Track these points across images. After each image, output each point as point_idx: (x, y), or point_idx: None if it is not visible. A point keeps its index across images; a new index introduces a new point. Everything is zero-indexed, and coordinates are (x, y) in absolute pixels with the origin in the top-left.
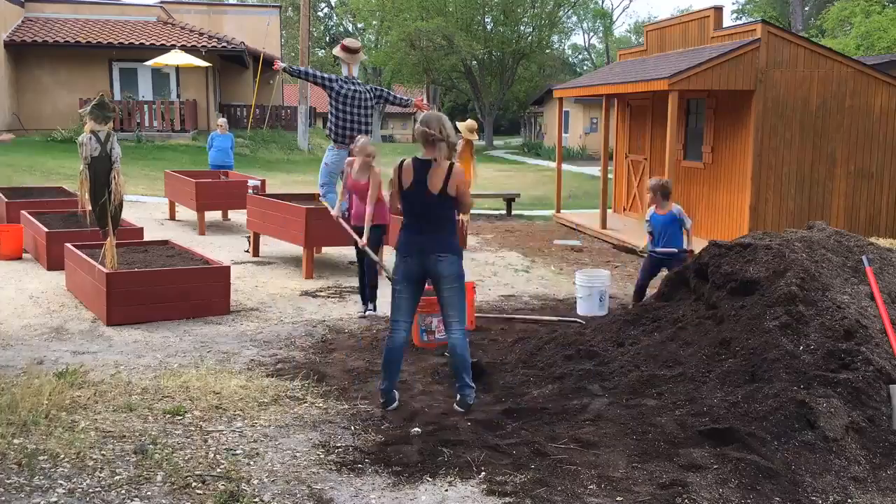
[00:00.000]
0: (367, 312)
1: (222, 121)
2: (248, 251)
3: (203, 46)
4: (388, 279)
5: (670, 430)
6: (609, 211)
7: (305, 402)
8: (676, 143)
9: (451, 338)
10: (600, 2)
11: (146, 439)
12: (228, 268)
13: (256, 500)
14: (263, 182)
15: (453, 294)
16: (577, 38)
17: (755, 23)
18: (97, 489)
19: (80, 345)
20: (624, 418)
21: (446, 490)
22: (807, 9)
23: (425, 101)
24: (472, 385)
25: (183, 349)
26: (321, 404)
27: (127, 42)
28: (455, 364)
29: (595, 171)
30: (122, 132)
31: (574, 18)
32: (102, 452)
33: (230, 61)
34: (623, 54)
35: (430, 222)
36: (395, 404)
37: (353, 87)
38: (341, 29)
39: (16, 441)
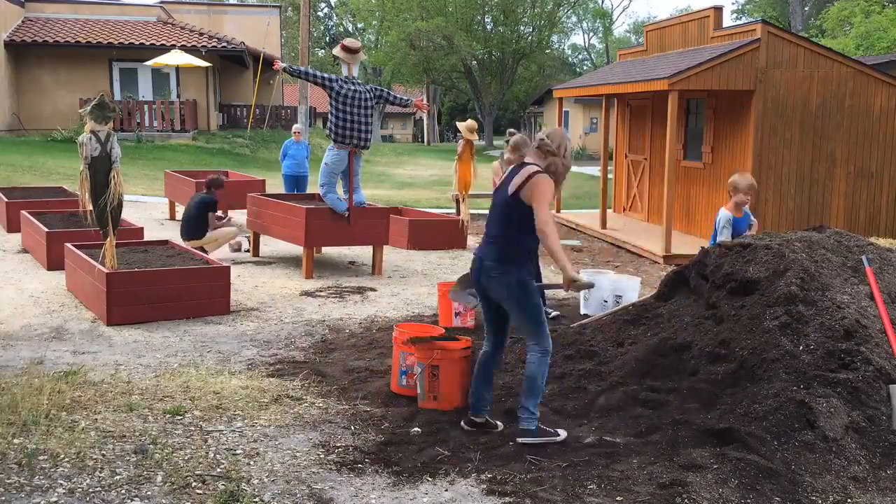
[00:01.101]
0: None
1: (298, 127)
2: (248, 251)
3: (203, 46)
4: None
5: (670, 430)
6: (609, 211)
7: (305, 402)
8: (676, 143)
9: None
10: (600, 2)
11: (146, 439)
12: (228, 268)
13: (256, 500)
14: (263, 182)
15: (518, 317)
16: (577, 38)
17: (755, 23)
18: (97, 489)
19: (80, 345)
20: (623, 418)
21: (446, 490)
22: (807, 9)
23: (425, 101)
24: (534, 412)
25: (183, 349)
26: (321, 404)
27: (127, 42)
28: (523, 386)
29: (595, 171)
30: (122, 132)
31: (574, 18)
32: (102, 452)
33: (230, 61)
34: (623, 54)
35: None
36: (471, 426)
37: (353, 87)
38: (341, 29)
39: (16, 441)
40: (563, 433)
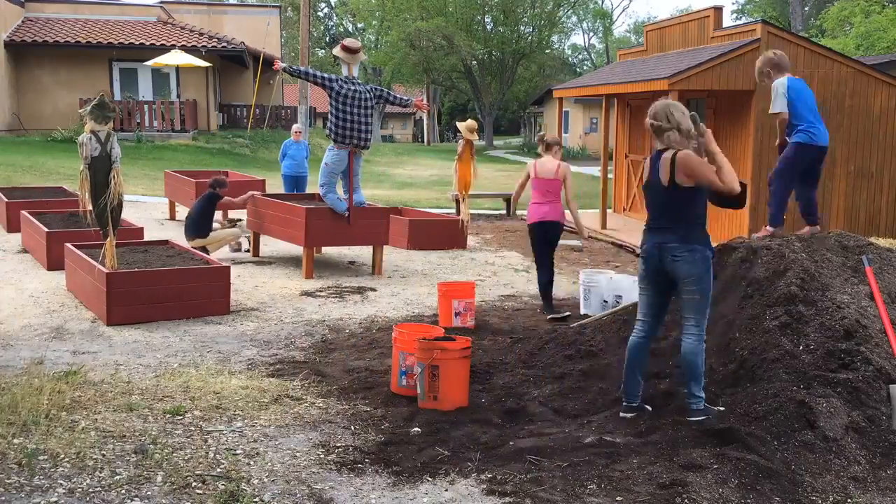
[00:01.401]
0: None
1: (298, 127)
2: (248, 251)
3: (203, 46)
4: None
5: (670, 430)
6: (609, 211)
7: (305, 402)
8: None
9: (682, 342)
10: (600, 2)
11: (146, 439)
12: (228, 268)
13: (256, 500)
14: (263, 182)
15: (692, 295)
16: (577, 38)
17: (755, 23)
18: (97, 489)
19: (80, 345)
20: (623, 418)
21: (446, 490)
22: (807, 9)
23: (425, 101)
24: (700, 395)
25: (183, 349)
26: (321, 404)
27: (127, 42)
28: (684, 371)
29: (595, 171)
30: (122, 132)
31: (574, 18)
32: (102, 452)
33: (230, 61)
34: (623, 54)
35: (664, 217)
36: (630, 413)
37: (353, 87)
38: (341, 29)
39: (16, 441)
40: (721, 407)
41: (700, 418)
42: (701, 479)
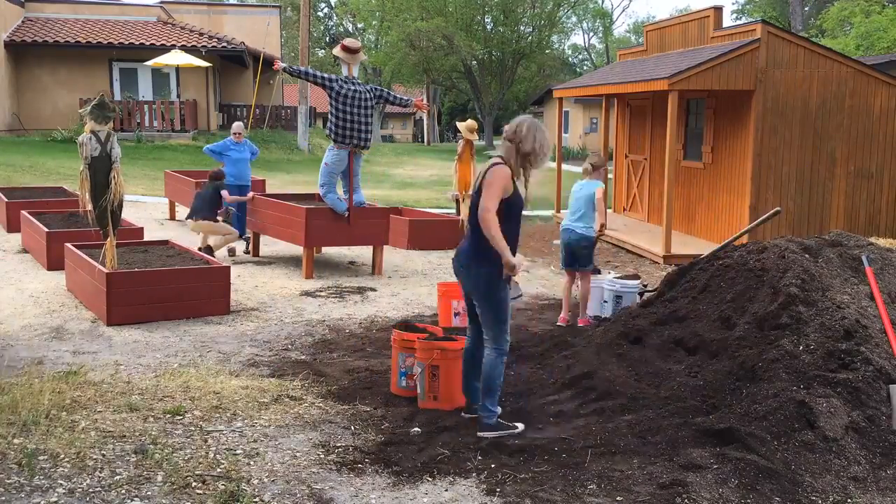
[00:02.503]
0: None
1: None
2: (247, 251)
3: (203, 46)
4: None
5: (670, 429)
6: (609, 211)
7: (305, 402)
8: (676, 143)
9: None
10: (600, 2)
11: (146, 439)
12: (228, 268)
13: (256, 500)
14: (263, 182)
15: (482, 311)
16: (577, 38)
17: (755, 23)
18: (97, 489)
19: (80, 345)
20: (624, 418)
21: (446, 490)
22: (807, 9)
23: (425, 101)
24: (492, 409)
25: (183, 349)
26: (321, 404)
27: (127, 42)
28: (481, 384)
29: None
30: (122, 132)
31: (574, 18)
32: (102, 452)
33: (230, 61)
34: (623, 54)
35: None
36: (469, 414)
37: (353, 87)
38: (341, 29)
39: (16, 441)
40: (520, 426)
41: (489, 434)
42: (701, 479)
